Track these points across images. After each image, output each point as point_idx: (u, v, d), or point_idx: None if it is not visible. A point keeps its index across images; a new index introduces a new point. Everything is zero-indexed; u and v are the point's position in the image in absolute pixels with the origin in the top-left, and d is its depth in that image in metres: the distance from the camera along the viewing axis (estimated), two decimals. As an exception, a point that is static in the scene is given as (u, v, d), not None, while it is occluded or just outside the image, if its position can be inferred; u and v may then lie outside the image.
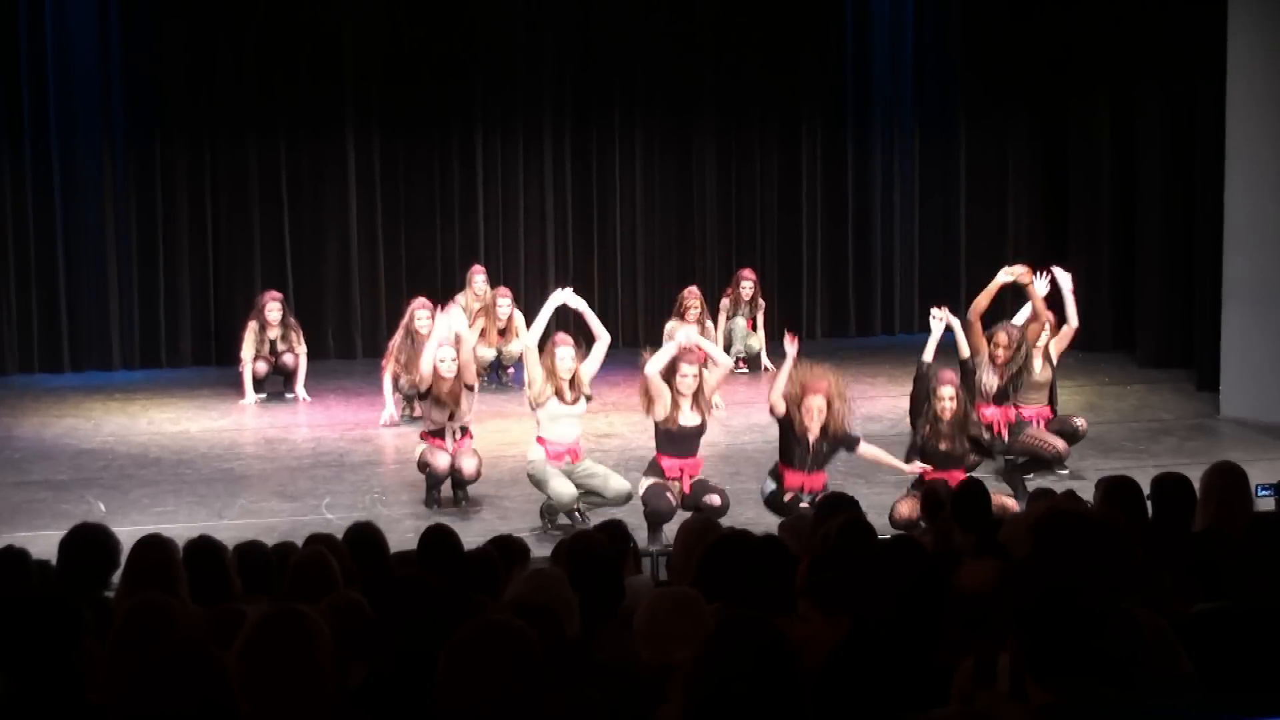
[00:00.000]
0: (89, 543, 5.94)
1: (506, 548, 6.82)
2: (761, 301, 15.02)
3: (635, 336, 16.56)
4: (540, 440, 9.84)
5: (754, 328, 14.97)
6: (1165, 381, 14.14)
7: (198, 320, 16.01)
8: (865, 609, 4.27)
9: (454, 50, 16.20)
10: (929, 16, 17.35)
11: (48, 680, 4.14)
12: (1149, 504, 6.40)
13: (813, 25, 17.04)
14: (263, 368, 13.95)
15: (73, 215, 15.55)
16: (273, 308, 13.95)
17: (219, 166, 15.97)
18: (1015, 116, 17.52)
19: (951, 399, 9.59)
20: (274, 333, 13.92)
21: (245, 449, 12.34)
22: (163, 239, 15.83)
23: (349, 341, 16.31)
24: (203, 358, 15.98)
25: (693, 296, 14.22)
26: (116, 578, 5.77)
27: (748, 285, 14.99)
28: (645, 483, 9.55)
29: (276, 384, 14.10)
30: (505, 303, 14.17)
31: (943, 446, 9.60)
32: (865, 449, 9.57)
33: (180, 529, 8.75)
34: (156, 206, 15.78)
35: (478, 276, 14.42)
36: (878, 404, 13.66)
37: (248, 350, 13.84)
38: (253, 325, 13.90)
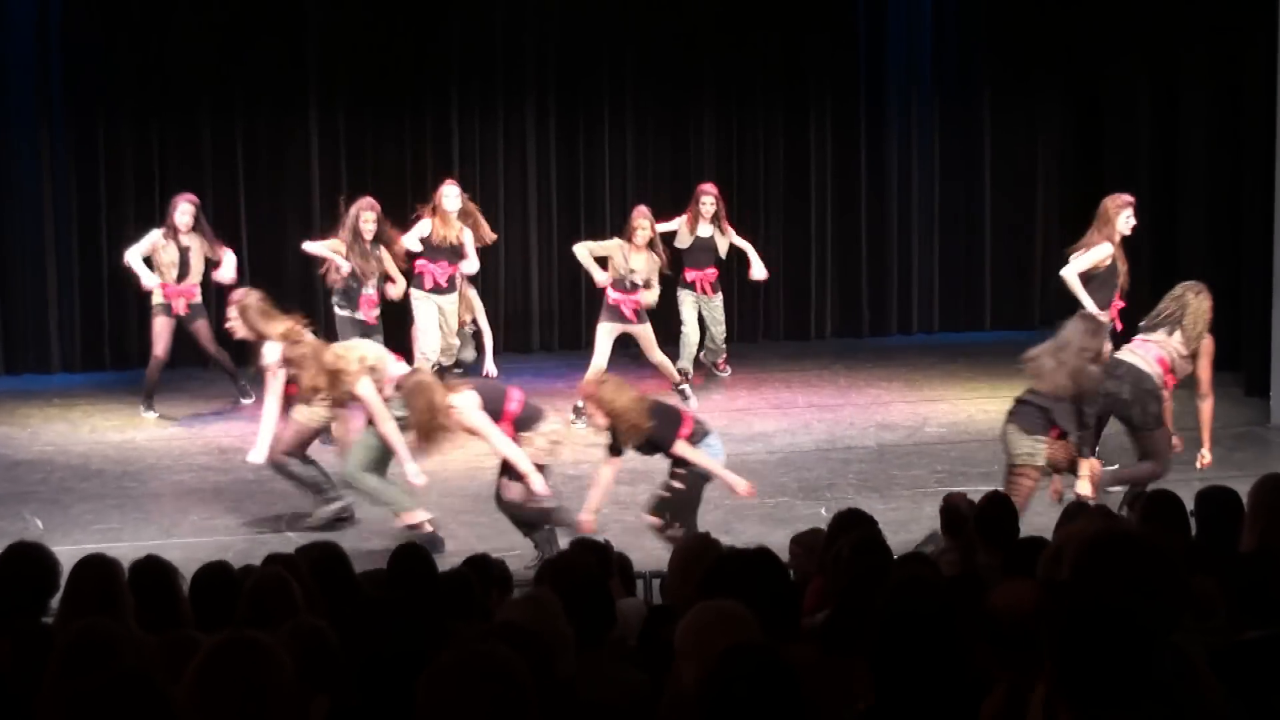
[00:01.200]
0: (25, 563, 5.93)
1: (483, 569, 6.82)
2: (726, 224, 14.40)
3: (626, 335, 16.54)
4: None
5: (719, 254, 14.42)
6: (1210, 386, 14.16)
7: (145, 318, 15.92)
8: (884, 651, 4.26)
9: (427, 17, 16.20)
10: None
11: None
12: (1193, 520, 6.41)
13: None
14: (164, 329, 13.57)
15: (6, 203, 15.53)
16: (185, 211, 13.54)
17: (168, 146, 15.94)
18: (1045, 91, 17.55)
19: None
20: (184, 241, 13.49)
21: (197, 460, 12.34)
22: (107, 227, 15.78)
23: (312, 340, 16.28)
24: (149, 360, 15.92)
25: (642, 216, 13.58)
26: (56, 602, 5.76)
27: (708, 201, 14.27)
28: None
29: (221, 389, 14.08)
30: (453, 192, 13.74)
31: None
32: (682, 449, 9.59)
33: (126, 548, 8.75)
34: (100, 191, 15.74)
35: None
36: (893, 410, 13.68)
37: (144, 272, 13.42)
38: (156, 239, 13.46)
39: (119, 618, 5.17)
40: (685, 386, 13.96)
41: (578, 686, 4.66)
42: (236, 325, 10.71)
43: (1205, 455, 10.27)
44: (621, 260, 13.35)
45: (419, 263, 13.74)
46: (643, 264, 13.33)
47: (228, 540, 9.98)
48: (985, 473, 11.44)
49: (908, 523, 9.97)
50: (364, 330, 12.98)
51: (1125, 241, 11.69)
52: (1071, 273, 11.60)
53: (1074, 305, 11.78)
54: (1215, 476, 9.52)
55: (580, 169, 16.89)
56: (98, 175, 15.77)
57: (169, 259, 13.49)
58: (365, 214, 13.18)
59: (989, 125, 17.67)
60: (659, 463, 12.06)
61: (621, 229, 13.87)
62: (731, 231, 14.43)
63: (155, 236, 13.49)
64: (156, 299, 13.57)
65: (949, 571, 6.08)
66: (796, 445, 12.60)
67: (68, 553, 6.19)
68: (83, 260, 15.75)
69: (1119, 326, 11.55)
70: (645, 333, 13.51)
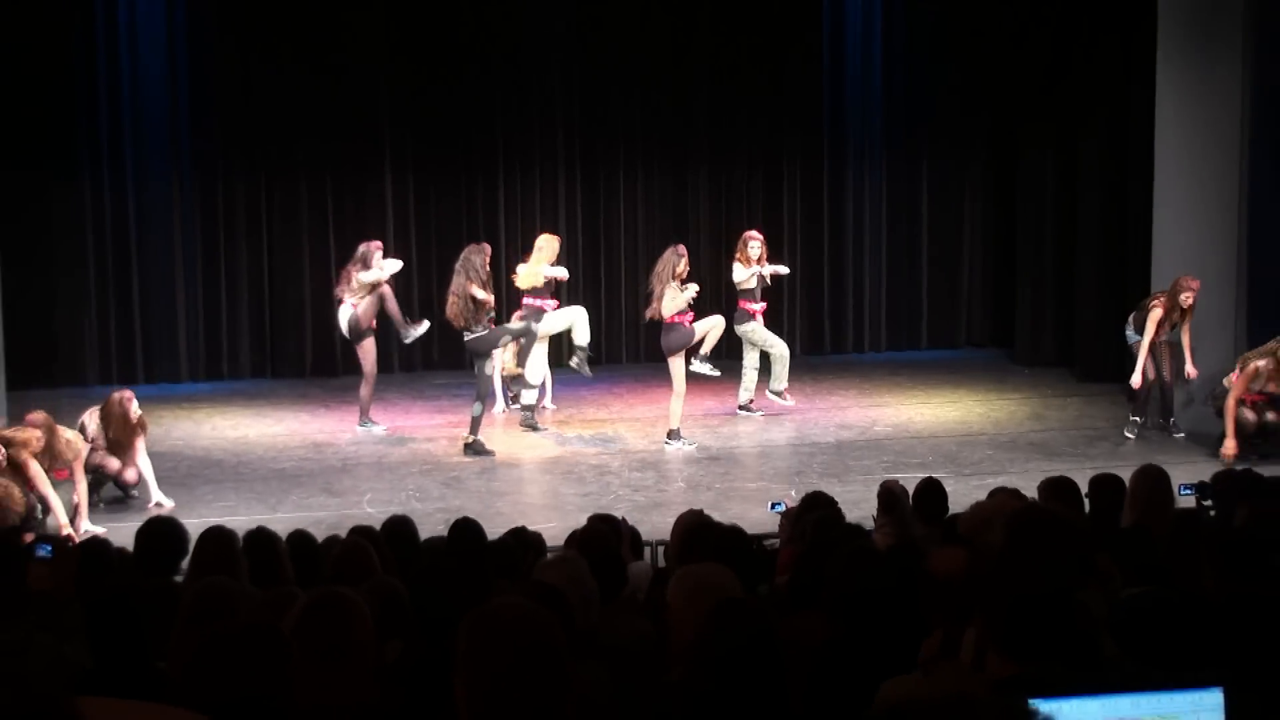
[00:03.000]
0: (161, 533, 5.98)
1: (523, 538, 6.85)
2: (764, 261, 13.13)
3: (637, 351, 16.58)
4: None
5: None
6: (1101, 394, 14.17)
7: (254, 337, 16.02)
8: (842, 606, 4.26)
9: (478, 99, 16.25)
10: (896, 67, 17.35)
11: (123, 653, 4.17)
12: (1086, 501, 6.43)
13: (791, 71, 17.02)
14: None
15: (146, 243, 15.58)
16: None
17: (274, 200, 15.98)
18: (971, 156, 17.56)
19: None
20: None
21: (296, 451, 12.35)
22: (224, 263, 15.85)
23: (385, 357, 16.26)
24: (259, 370, 16.00)
25: (677, 253, 12.10)
26: (185, 564, 5.80)
27: (755, 245, 12.99)
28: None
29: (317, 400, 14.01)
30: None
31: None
32: None
33: (240, 521, 8.77)
34: (218, 234, 15.80)
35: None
36: (849, 413, 13.69)
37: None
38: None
39: (236, 577, 5.19)
40: (787, 402, 13.43)
41: (599, 633, 4.69)
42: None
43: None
44: (677, 292, 11.93)
45: (531, 301, 12.80)
46: (680, 292, 11.99)
47: (320, 515, 9.99)
48: (921, 462, 11.46)
49: (860, 502, 9.94)
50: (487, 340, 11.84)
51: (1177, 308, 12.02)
52: (1142, 339, 12.08)
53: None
54: (1104, 466, 9.55)
55: (600, 217, 16.90)
56: (217, 223, 15.81)
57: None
58: (485, 258, 11.83)
59: (926, 186, 17.68)
60: (663, 455, 12.09)
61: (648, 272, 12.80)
62: (766, 264, 13.22)
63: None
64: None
65: (886, 542, 6.09)
66: (772, 440, 12.60)
67: (194, 525, 6.22)
68: (205, 290, 15.79)
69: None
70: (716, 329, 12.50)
